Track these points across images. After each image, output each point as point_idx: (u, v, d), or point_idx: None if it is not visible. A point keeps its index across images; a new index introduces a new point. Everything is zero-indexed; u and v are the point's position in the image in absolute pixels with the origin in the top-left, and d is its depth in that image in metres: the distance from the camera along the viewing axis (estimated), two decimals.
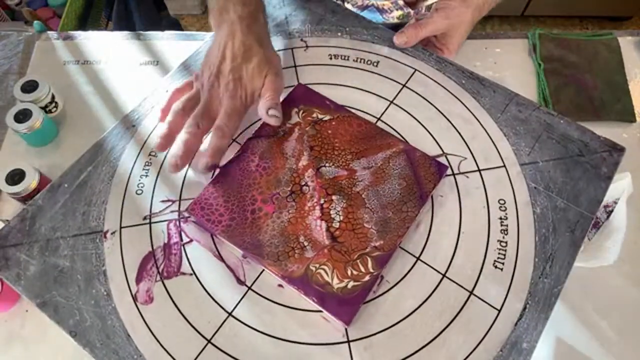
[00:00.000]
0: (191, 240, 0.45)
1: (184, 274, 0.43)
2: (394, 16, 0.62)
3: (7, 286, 0.50)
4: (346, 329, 0.41)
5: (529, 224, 0.46)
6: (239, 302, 0.42)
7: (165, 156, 0.49)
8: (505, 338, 0.41)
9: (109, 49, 0.69)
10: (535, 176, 0.48)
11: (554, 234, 0.45)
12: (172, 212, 0.46)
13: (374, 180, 0.46)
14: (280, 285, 0.43)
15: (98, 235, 0.45)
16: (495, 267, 0.44)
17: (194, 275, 0.43)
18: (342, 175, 0.46)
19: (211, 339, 0.41)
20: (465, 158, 0.49)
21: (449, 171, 0.48)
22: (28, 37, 0.70)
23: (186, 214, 0.46)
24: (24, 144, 0.61)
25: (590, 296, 0.52)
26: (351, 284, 0.41)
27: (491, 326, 0.41)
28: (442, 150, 0.50)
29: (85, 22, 1.17)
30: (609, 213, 0.55)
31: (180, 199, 0.47)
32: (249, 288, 0.43)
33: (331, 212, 0.44)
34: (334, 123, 0.50)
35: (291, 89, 0.53)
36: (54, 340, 0.50)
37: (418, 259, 0.44)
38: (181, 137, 0.46)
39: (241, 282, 0.43)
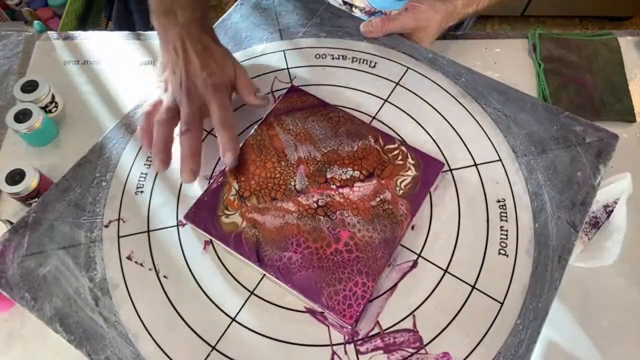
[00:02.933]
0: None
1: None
2: None
3: None
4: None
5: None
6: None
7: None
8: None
9: (109, 49, 0.69)
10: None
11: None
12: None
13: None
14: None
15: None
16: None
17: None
18: (343, 190, 0.46)
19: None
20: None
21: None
22: (28, 37, 0.70)
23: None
24: (24, 144, 0.61)
25: (590, 296, 0.52)
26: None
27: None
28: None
29: (85, 22, 1.17)
30: (609, 213, 0.55)
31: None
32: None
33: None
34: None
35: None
36: (53, 340, 0.50)
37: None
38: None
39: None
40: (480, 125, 0.51)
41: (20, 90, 0.61)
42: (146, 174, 0.49)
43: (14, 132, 0.59)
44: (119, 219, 0.46)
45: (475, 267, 0.44)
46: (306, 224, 0.44)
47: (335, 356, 0.40)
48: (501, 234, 0.45)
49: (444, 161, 0.48)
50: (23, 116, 0.58)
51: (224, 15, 0.60)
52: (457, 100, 0.53)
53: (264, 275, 0.43)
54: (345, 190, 0.46)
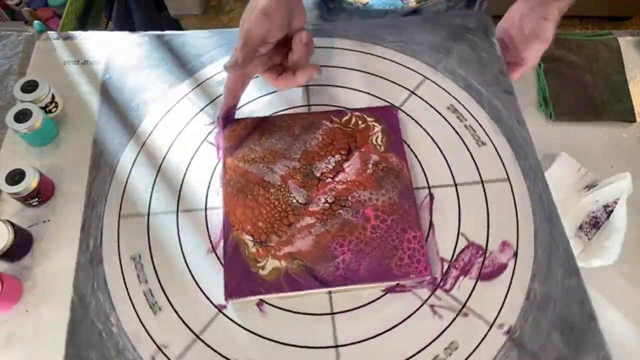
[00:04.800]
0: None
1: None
2: (413, 1, 0.62)
3: (7, 286, 0.50)
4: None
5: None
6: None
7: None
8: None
9: (109, 49, 0.69)
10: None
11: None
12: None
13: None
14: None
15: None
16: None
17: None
18: (338, 177, 0.47)
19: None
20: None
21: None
22: (28, 37, 0.70)
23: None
24: (24, 144, 0.61)
25: (590, 296, 0.52)
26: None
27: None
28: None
29: (85, 22, 1.17)
30: (609, 213, 0.55)
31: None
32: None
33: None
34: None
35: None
36: (53, 340, 0.50)
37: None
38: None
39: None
40: (392, 60, 0.55)
41: (20, 90, 0.61)
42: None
43: (14, 132, 0.59)
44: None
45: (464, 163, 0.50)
46: (333, 225, 0.44)
47: (433, 311, 0.42)
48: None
49: (390, 105, 0.52)
50: (23, 116, 0.58)
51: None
52: (355, 51, 0.55)
53: (329, 291, 0.43)
54: (340, 176, 0.46)
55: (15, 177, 0.54)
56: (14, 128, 0.58)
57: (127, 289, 0.43)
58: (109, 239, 0.45)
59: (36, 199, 0.56)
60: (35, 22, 0.71)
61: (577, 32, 0.67)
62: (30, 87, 0.61)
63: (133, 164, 0.49)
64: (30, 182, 0.54)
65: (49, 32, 0.71)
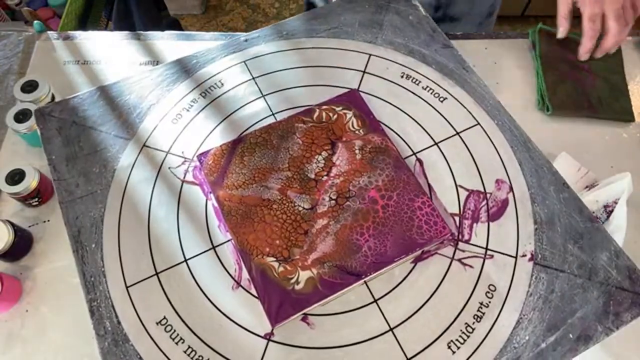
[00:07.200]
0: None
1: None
2: None
3: (7, 286, 0.50)
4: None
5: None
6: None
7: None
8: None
9: (109, 49, 0.69)
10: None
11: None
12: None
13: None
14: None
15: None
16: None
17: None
18: (333, 172, 0.47)
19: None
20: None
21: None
22: (28, 37, 0.70)
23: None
24: (24, 144, 0.61)
25: None
26: None
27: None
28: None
29: (85, 22, 1.17)
30: (609, 213, 0.55)
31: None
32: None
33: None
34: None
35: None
36: (53, 340, 0.50)
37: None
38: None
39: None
40: (332, 47, 0.56)
41: (20, 90, 0.61)
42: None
43: (14, 132, 0.59)
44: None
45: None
46: (346, 218, 0.44)
47: (462, 264, 0.44)
48: None
49: (351, 87, 0.53)
50: (23, 116, 0.58)
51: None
52: (293, 49, 0.56)
53: (364, 281, 0.43)
54: (334, 171, 0.47)
55: (15, 177, 0.54)
56: (14, 128, 0.58)
57: (166, 355, 0.41)
58: (125, 314, 0.42)
59: (36, 199, 0.56)
60: (35, 22, 0.71)
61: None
62: (30, 87, 0.61)
63: (119, 230, 0.46)
64: (30, 182, 0.54)
65: (49, 32, 0.71)
